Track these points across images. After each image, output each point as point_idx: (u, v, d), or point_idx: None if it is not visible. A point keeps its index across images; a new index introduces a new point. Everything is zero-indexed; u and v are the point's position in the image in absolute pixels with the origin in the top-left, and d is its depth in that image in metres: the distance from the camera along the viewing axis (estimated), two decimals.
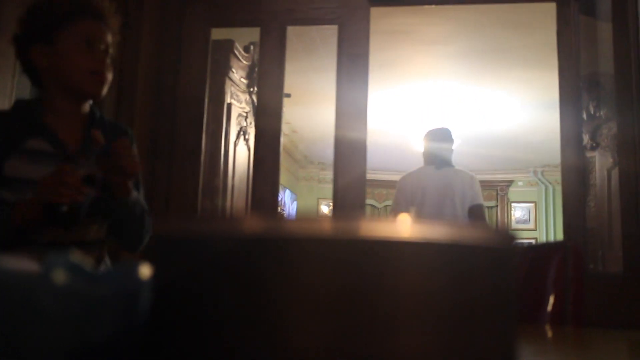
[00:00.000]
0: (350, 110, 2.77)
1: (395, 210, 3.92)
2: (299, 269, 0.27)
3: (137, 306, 0.35)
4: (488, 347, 0.29)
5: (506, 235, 0.32)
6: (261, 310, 0.26)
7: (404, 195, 3.71)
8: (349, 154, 2.75)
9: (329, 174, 7.80)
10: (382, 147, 7.49)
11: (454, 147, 3.84)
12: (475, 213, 3.69)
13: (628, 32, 2.53)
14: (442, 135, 3.76)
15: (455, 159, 3.99)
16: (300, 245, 0.27)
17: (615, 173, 2.85)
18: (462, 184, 3.76)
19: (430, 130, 3.82)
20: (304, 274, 0.27)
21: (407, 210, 3.64)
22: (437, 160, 3.70)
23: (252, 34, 3.29)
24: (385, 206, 9.91)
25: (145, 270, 0.37)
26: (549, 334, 0.87)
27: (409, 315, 0.27)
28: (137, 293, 0.35)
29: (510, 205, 9.66)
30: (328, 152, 2.95)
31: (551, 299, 0.96)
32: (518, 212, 9.65)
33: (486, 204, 9.90)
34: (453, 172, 3.78)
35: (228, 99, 3.52)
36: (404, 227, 0.28)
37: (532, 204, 9.58)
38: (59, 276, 0.32)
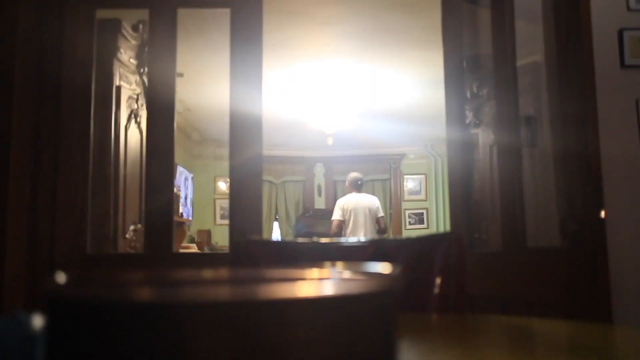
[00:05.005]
0: (245, 88, 2.75)
1: (335, 219, 7.00)
2: (189, 335, 0.28)
3: None
4: None
5: (385, 278, 0.35)
6: None
7: (342, 210, 6.98)
8: (244, 131, 2.74)
9: (225, 151, 7.71)
10: (279, 124, 7.51)
11: (360, 183, 7.17)
12: (379, 221, 7.01)
13: (504, 18, 2.69)
14: (359, 177, 7.14)
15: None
16: (190, 311, 0.28)
17: (496, 149, 3.05)
18: (369, 202, 7.05)
19: (352, 175, 7.17)
20: (195, 340, 0.28)
21: (342, 219, 6.95)
22: (357, 188, 7.04)
23: (141, 11, 3.16)
24: (283, 182, 9.97)
25: (37, 326, 0.37)
26: (433, 321, 0.94)
27: None
28: (29, 354, 0.35)
29: (403, 177, 10.05)
30: (224, 129, 2.92)
31: (436, 288, 1.03)
32: (410, 183, 10.06)
33: (380, 177, 10.25)
34: (365, 196, 7.16)
35: (117, 82, 3.38)
36: (287, 286, 0.30)
37: (423, 176, 10.01)
38: None
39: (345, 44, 5.08)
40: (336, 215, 7.00)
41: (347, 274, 0.35)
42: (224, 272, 0.35)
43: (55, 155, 2.61)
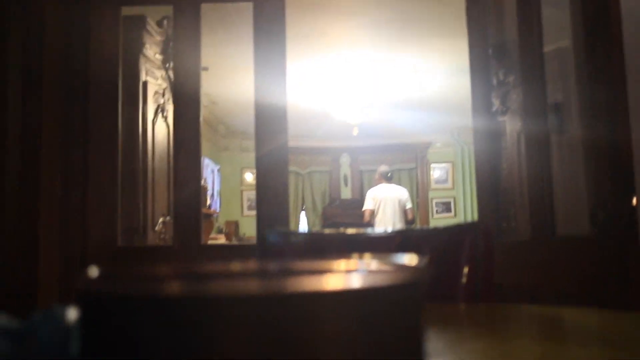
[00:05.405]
0: (269, 81, 2.76)
1: (367, 208, 7.36)
2: (218, 329, 0.28)
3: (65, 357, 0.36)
4: None
5: (412, 270, 0.36)
6: None
7: (373, 200, 7.34)
8: (269, 122, 2.75)
9: (251, 143, 7.77)
10: (304, 115, 7.51)
11: (389, 175, 7.59)
12: (407, 212, 7.28)
13: (530, 3, 2.65)
14: (388, 169, 7.54)
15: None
16: (219, 305, 0.29)
17: (523, 137, 3.00)
18: (399, 194, 7.38)
19: (382, 167, 7.56)
20: (224, 334, 0.28)
21: (373, 208, 7.25)
22: (387, 180, 7.37)
23: (165, 7, 3.19)
24: (309, 172, 9.99)
25: (72, 319, 0.38)
26: (462, 311, 0.94)
27: None
28: (64, 346, 0.36)
29: (429, 166, 9.98)
30: (249, 121, 2.93)
31: (463, 279, 1.03)
32: (437, 172, 9.99)
33: (406, 166, 10.18)
34: (394, 187, 7.51)
35: (143, 77, 3.42)
36: (316, 280, 0.31)
37: (450, 164, 9.93)
38: None
39: (369, 34, 5.06)
40: (368, 205, 7.40)
41: (374, 266, 0.35)
42: (251, 265, 0.35)
43: (85, 151, 2.66)
